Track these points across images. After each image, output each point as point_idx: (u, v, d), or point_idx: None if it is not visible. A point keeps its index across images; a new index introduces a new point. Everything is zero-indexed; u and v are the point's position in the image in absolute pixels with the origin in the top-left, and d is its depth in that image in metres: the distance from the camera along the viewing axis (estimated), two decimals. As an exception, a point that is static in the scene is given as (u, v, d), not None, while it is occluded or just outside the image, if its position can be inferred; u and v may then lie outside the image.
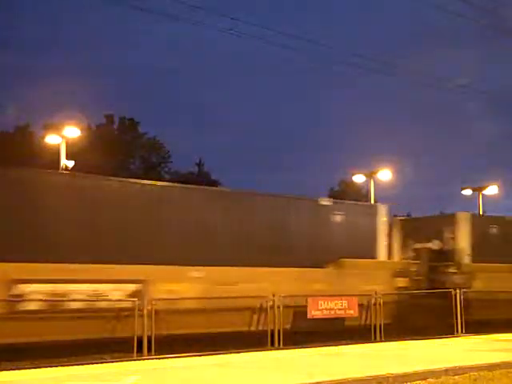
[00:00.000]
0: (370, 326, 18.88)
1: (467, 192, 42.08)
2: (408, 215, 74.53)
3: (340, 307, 18.14)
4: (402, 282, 21.29)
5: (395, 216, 26.67)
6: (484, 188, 41.08)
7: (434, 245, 23.88)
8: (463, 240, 23.76)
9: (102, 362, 13.36)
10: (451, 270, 23.11)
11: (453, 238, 23.84)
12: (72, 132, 28.87)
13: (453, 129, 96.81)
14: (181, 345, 15.57)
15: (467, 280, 22.71)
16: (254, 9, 76.82)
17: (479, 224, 24.84)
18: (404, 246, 23.67)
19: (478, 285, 22.58)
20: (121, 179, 18.53)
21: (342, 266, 19.66)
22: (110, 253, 15.77)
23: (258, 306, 17.38)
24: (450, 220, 24.40)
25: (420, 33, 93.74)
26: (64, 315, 14.72)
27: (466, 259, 23.54)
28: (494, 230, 24.94)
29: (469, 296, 21.10)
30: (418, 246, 23.72)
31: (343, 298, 18.28)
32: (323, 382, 10.46)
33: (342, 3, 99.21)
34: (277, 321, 16.90)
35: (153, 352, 14.61)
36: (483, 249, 23.74)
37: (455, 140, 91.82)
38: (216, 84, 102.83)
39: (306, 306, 17.69)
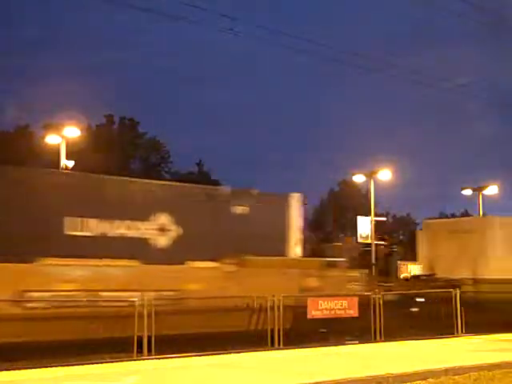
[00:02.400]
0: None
1: (467, 192, 42.11)
2: (407, 215, 74.63)
3: (340, 307, 18.08)
4: None
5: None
6: (484, 188, 41.13)
7: None
8: None
9: (101, 362, 13.32)
10: None
11: None
12: (72, 132, 28.93)
13: (453, 129, 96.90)
14: (181, 345, 15.55)
15: None
16: (254, 9, 76.82)
17: None
18: None
19: None
20: None
21: None
22: None
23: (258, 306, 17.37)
24: None
25: (420, 33, 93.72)
26: None
27: None
28: None
29: None
30: None
31: (343, 298, 18.23)
32: (323, 381, 10.46)
33: (342, 3, 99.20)
34: (276, 321, 16.86)
35: (153, 352, 14.57)
36: None
37: (455, 140, 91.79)
38: (216, 84, 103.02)
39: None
